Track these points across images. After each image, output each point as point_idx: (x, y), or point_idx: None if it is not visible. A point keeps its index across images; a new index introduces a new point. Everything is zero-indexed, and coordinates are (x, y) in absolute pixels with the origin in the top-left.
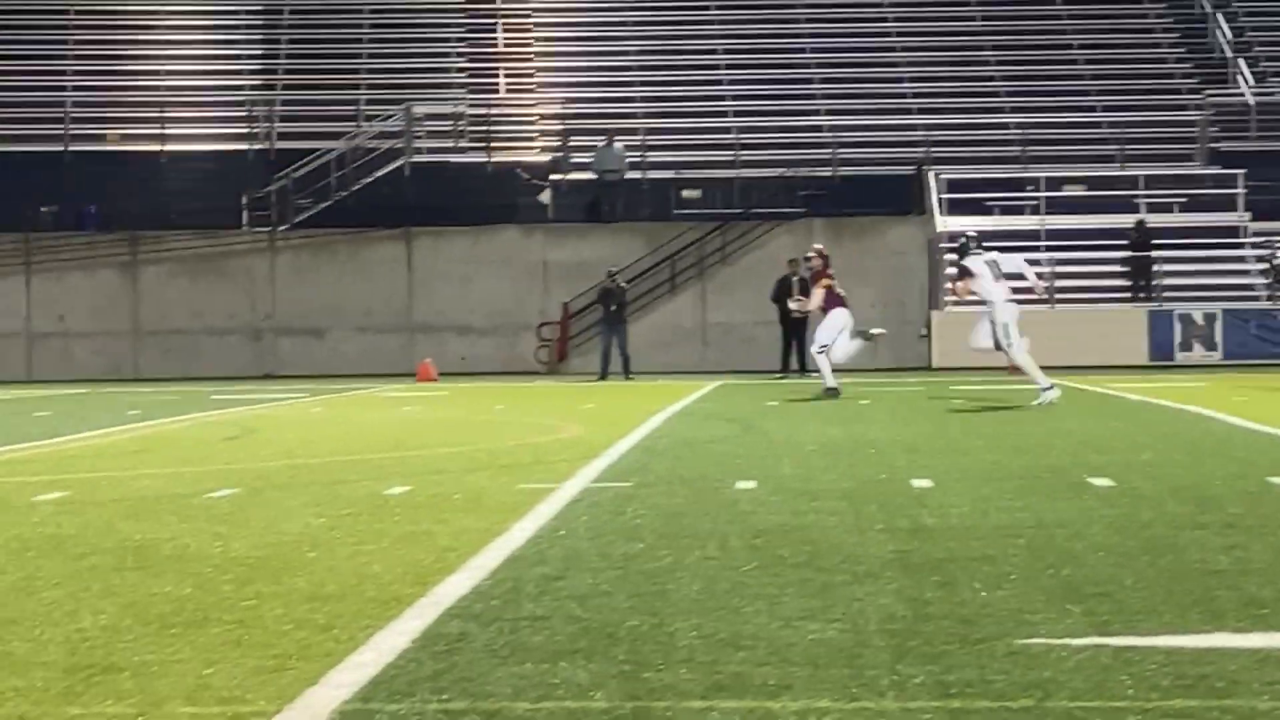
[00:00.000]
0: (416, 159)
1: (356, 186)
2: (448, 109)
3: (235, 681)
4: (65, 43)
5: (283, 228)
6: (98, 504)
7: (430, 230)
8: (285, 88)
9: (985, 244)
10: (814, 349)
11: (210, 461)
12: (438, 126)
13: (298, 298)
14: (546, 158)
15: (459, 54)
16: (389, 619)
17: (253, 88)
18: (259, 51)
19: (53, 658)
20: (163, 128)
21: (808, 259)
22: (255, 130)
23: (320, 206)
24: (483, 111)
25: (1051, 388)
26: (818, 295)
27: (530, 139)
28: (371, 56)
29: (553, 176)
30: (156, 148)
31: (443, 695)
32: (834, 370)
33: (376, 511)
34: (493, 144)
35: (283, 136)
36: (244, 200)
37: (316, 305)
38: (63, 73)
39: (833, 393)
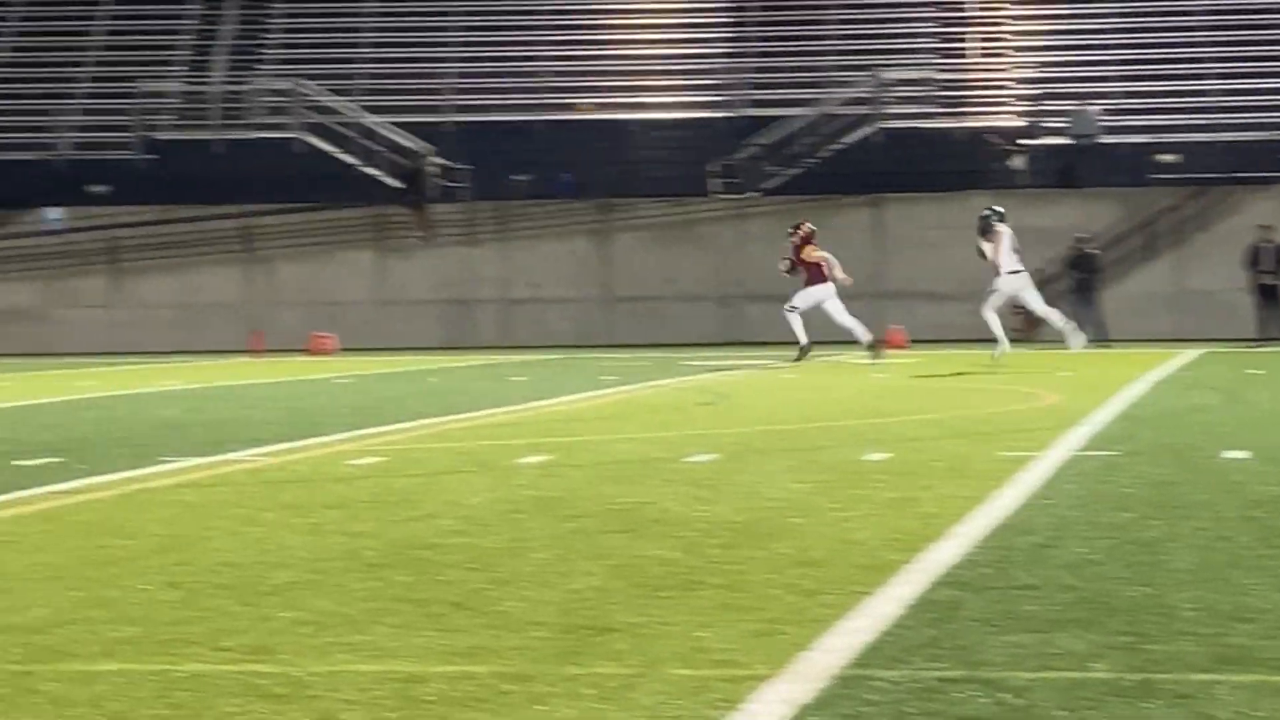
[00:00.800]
0: (886, 125)
1: (826, 153)
2: (917, 74)
3: (729, 644)
4: (537, 13)
5: (752, 194)
6: (579, 467)
7: (900, 197)
8: (755, 55)
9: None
10: (785, 306)
11: (686, 426)
12: (907, 92)
13: (767, 264)
14: (1018, 123)
15: (929, 18)
16: (878, 585)
17: (723, 55)
18: (729, 19)
19: (548, 618)
20: (634, 96)
21: (790, 233)
22: (725, 98)
23: (790, 173)
24: (953, 76)
25: (1003, 344)
26: (829, 260)
27: (1001, 104)
28: (841, 22)
29: (1024, 142)
30: (627, 115)
31: (939, 663)
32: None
33: (857, 477)
34: (963, 109)
35: (752, 103)
36: (714, 167)
37: None
38: (535, 43)
39: (805, 350)
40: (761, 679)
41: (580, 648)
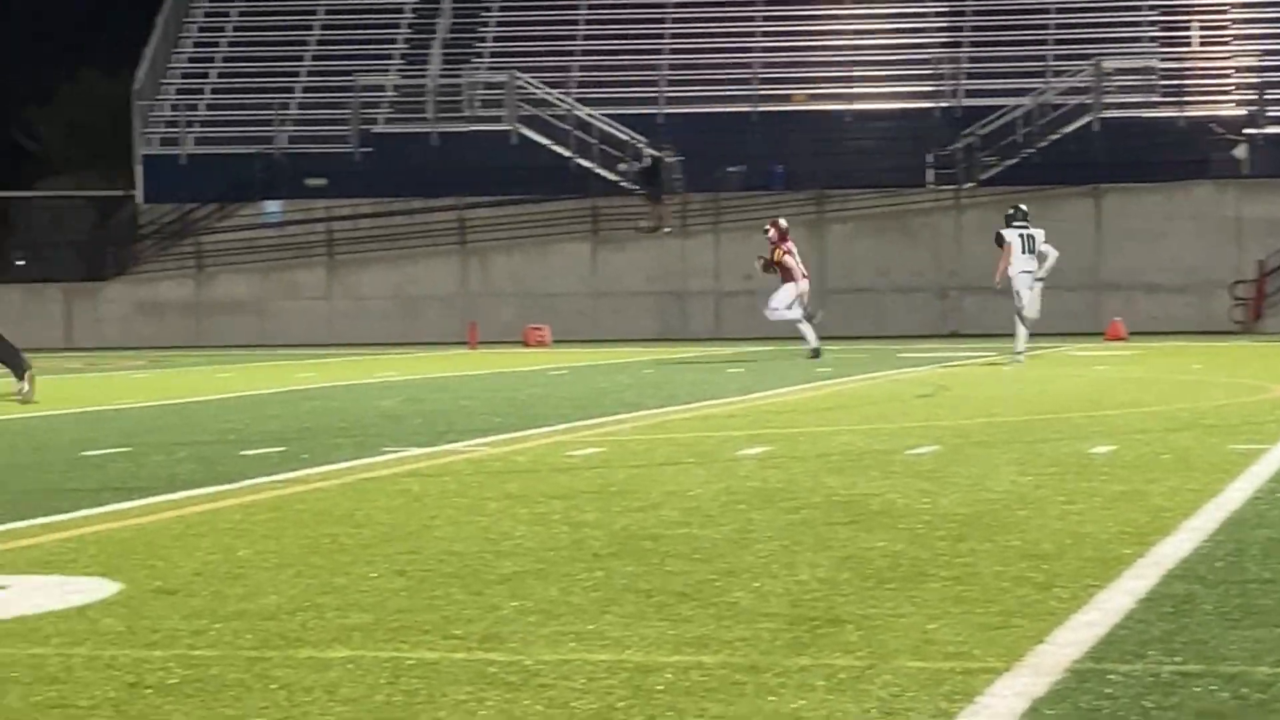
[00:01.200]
0: (1106, 114)
1: (1044, 143)
2: (1138, 63)
3: (960, 637)
4: (751, 4)
5: (968, 185)
6: (800, 459)
7: (1119, 187)
8: (971, 44)
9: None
10: (793, 316)
11: (906, 418)
12: (1128, 81)
13: (983, 255)
14: (1242, 111)
15: (1150, 6)
16: (1110, 579)
17: (939, 45)
18: (945, 8)
19: (775, 609)
20: (848, 86)
21: (766, 231)
22: (941, 88)
23: (1006, 163)
24: (1175, 65)
25: (1021, 354)
26: (791, 263)
27: (1224, 92)
28: (1060, 11)
29: (1248, 131)
30: (842, 107)
31: (1175, 658)
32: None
33: (1082, 470)
34: (1185, 98)
35: (969, 94)
36: (929, 158)
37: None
38: (751, 35)
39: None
40: (995, 672)
41: (809, 639)
